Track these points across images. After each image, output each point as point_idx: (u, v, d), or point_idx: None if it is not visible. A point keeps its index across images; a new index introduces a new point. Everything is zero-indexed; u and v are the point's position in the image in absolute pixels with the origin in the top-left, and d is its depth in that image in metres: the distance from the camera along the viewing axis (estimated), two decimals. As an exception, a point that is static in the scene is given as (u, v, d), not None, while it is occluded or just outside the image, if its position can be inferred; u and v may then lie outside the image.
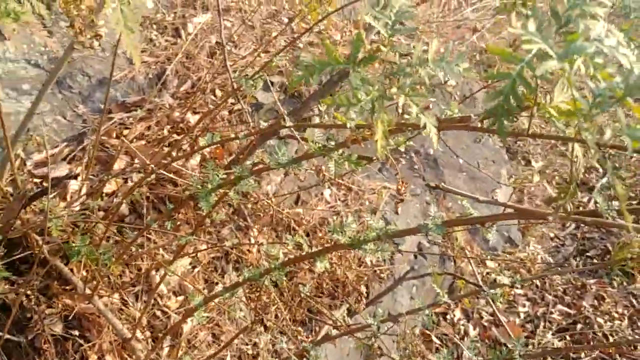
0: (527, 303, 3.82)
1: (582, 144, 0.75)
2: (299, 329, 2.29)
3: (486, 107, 0.71)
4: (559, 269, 3.91)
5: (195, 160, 2.46)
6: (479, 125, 0.92)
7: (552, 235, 4.37)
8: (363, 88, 0.75)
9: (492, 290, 1.67)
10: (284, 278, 1.44)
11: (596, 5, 0.75)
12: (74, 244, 1.63)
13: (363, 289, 2.56)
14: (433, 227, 1.10)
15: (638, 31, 1.00)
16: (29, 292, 1.90)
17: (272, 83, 2.90)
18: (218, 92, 2.75)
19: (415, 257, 3.23)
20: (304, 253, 1.49)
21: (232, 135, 2.73)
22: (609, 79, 0.68)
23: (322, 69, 0.78)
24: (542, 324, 3.70)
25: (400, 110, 0.82)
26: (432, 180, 3.58)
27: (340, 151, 1.13)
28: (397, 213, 2.46)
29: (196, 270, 2.31)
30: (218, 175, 1.31)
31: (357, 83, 0.75)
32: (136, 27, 0.92)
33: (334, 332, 1.87)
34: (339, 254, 2.54)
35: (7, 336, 1.82)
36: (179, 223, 2.35)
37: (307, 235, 2.75)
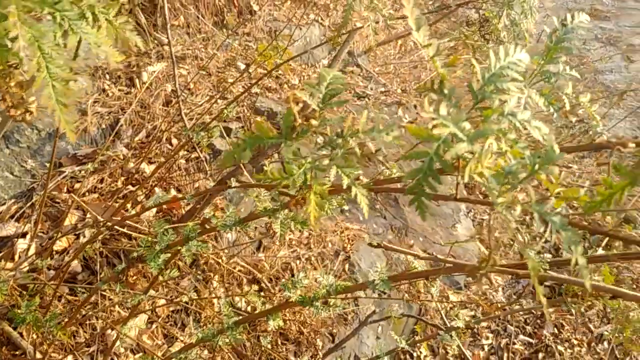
0: (491, 335, 3.81)
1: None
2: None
3: (406, 184, 0.70)
4: (507, 307, 3.93)
5: (151, 211, 2.38)
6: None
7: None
8: (296, 161, 0.74)
9: (447, 335, 1.65)
10: (242, 333, 1.37)
11: (509, 81, 0.77)
12: (18, 311, 1.52)
13: (319, 343, 2.49)
14: (379, 282, 1.08)
15: (557, 94, 1.03)
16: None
17: (230, 130, 2.86)
18: (174, 141, 2.69)
19: (380, 297, 3.18)
20: (257, 311, 1.43)
21: (190, 183, 2.67)
22: (519, 155, 0.71)
23: (254, 145, 0.76)
24: (505, 355, 3.69)
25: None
26: (393, 220, 3.57)
27: (286, 211, 1.10)
28: (343, 271, 2.43)
29: (154, 325, 2.20)
30: (166, 236, 1.25)
31: (289, 156, 0.73)
32: (72, 101, 0.87)
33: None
34: (294, 309, 2.48)
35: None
36: (135, 277, 2.25)
37: (271, 281, 2.68)
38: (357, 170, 0.75)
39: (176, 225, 1.67)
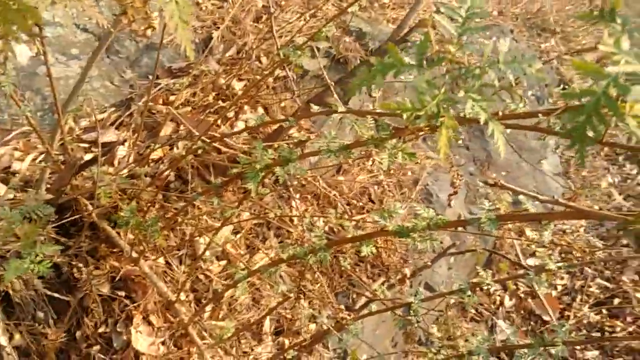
0: (566, 275, 3.71)
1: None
2: (340, 304, 2.28)
3: (565, 126, 0.63)
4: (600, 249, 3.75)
5: (238, 128, 2.42)
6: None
7: (597, 208, 4.18)
8: (428, 92, 0.68)
9: (536, 277, 1.57)
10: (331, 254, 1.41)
11: None
12: (122, 214, 1.63)
13: (406, 271, 2.51)
14: (486, 221, 1.02)
15: None
16: (78, 254, 1.93)
17: (318, 49, 2.80)
18: (264, 59, 2.68)
19: (456, 229, 3.14)
20: (349, 235, 1.44)
21: (277, 102, 2.67)
22: None
23: (385, 72, 0.71)
24: (579, 297, 3.60)
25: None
26: (477, 151, 3.45)
27: (394, 141, 1.06)
28: (450, 206, 2.38)
29: (238, 236, 2.30)
30: (266, 156, 1.26)
31: (423, 86, 0.68)
32: (191, 18, 0.86)
33: (374, 306, 1.83)
34: (386, 238, 2.49)
35: (57, 295, 1.87)
36: (224, 189, 2.33)
37: (348, 204, 2.70)
38: (494, 104, 0.69)
39: (268, 144, 1.68)
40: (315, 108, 1.49)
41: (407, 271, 2.48)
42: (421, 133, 1.11)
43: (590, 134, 0.64)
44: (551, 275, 3.50)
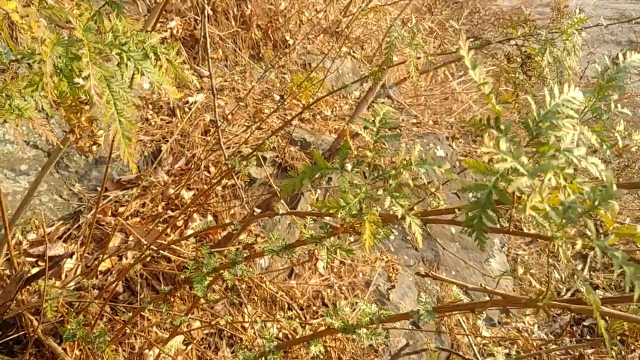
0: (525, 375, 3.79)
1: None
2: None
3: (464, 216, 0.77)
4: (552, 341, 3.91)
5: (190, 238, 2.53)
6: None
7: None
8: (351, 191, 0.82)
9: None
10: (282, 358, 1.48)
11: (564, 118, 0.82)
12: (68, 327, 1.67)
13: None
14: (424, 313, 1.13)
15: (609, 132, 1.09)
16: (20, 374, 1.91)
17: (264, 159, 3.02)
18: (212, 169, 2.86)
19: (411, 329, 3.24)
20: (297, 336, 1.52)
21: (226, 209, 2.82)
22: (578, 190, 0.74)
23: (312, 175, 0.85)
24: (542, 397, 3.67)
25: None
26: (425, 251, 3.64)
27: (333, 239, 1.19)
28: (389, 299, 2.51)
29: (189, 347, 2.32)
30: (213, 259, 1.37)
31: (346, 186, 0.82)
32: (134, 135, 1.02)
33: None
34: (334, 336, 2.56)
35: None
36: (173, 299, 2.38)
37: (302, 309, 2.78)
38: (410, 200, 0.83)
39: (216, 250, 1.80)
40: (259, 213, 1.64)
41: None
42: (353, 238, 1.27)
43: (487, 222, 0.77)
44: None
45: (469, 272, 3.86)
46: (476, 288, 1.37)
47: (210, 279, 1.44)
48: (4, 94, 1.22)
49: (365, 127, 0.89)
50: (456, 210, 0.98)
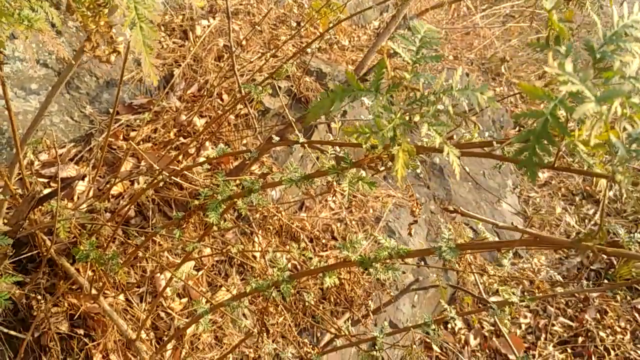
0: (529, 315, 3.88)
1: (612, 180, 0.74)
2: (304, 340, 2.35)
3: (517, 146, 0.71)
4: (562, 283, 3.96)
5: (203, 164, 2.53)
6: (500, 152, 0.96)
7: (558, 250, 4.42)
8: (385, 116, 0.77)
9: (499, 309, 1.66)
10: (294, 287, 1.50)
11: (633, 41, 0.75)
12: (82, 248, 1.69)
13: (370, 303, 2.62)
14: (447, 250, 1.10)
15: None
16: (35, 291, 1.96)
17: (279, 88, 2.97)
18: (225, 96, 2.82)
19: (418, 265, 3.29)
20: (312, 267, 1.53)
21: (239, 139, 2.80)
22: None
23: (344, 96, 0.79)
24: (543, 336, 3.76)
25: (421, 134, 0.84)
26: (437, 189, 3.64)
27: (354, 170, 1.15)
28: (410, 235, 2.51)
29: (200, 273, 2.37)
30: (228, 187, 1.37)
31: (380, 110, 0.76)
32: (155, 44, 0.98)
33: (339, 342, 1.92)
34: (348, 269, 2.60)
35: (13, 333, 1.88)
36: (185, 225, 2.41)
37: (311, 241, 2.82)
38: (449, 129, 0.78)
39: (232, 178, 1.80)
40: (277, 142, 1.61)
41: (372, 305, 2.58)
42: (382, 169, 1.24)
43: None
44: (515, 312, 3.66)
45: (480, 212, 3.87)
46: (507, 227, 1.35)
47: (225, 206, 1.44)
48: (13, 3, 1.18)
49: (402, 47, 0.83)
50: (494, 143, 0.94)
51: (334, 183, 1.18)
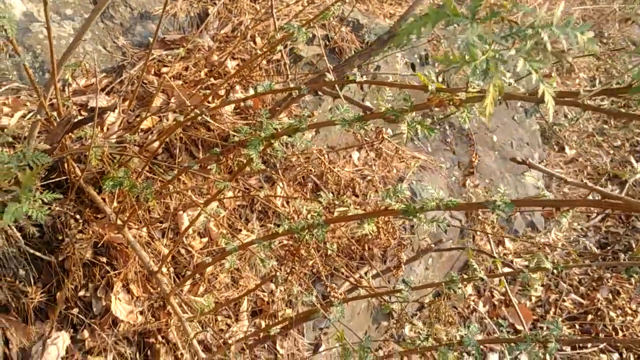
0: (541, 288, 3.92)
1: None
2: (330, 283, 2.40)
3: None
4: (588, 256, 3.98)
5: (229, 107, 2.54)
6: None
7: (575, 224, 4.42)
8: (479, 46, 0.73)
9: (531, 274, 1.64)
10: (312, 234, 1.52)
11: None
12: (115, 175, 1.72)
13: (403, 256, 2.67)
14: (502, 204, 1.09)
15: None
16: (62, 216, 2.02)
17: (314, 36, 2.94)
18: (258, 40, 2.80)
19: (462, 228, 3.31)
20: (350, 214, 1.55)
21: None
22: None
23: (437, 20, 0.76)
24: (552, 310, 3.80)
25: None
26: (463, 156, 3.63)
27: (413, 115, 1.14)
28: (464, 186, 2.51)
29: (222, 214, 2.41)
30: (272, 125, 1.38)
31: (474, 39, 0.73)
32: None
33: (362, 291, 1.96)
34: (386, 219, 2.62)
35: (39, 254, 1.95)
36: (209, 167, 2.44)
37: (333, 194, 2.84)
38: (546, 66, 0.74)
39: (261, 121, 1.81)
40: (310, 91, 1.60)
41: (404, 257, 2.63)
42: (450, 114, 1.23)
43: None
44: (542, 276, 3.70)
45: (503, 183, 3.87)
46: (576, 183, 1.33)
47: (264, 146, 1.46)
48: None
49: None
50: (581, 91, 0.90)
51: (383, 129, 1.18)
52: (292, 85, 2.71)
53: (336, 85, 2.05)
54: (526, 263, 3.91)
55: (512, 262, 3.62)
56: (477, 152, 3.68)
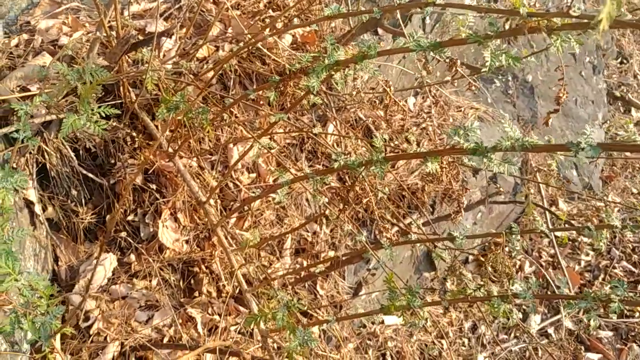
0: (592, 253, 3.82)
1: None
2: (381, 225, 2.40)
3: None
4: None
5: (286, 40, 2.49)
6: None
7: (635, 190, 4.26)
8: None
9: (594, 232, 1.55)
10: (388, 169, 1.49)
11: None
12: (171, 98, 1.71)
13: (464, 200, 2.64)
14: (587, 147, 1.01)
15: None
16: (115, 140, 2.05)
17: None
18: (320, -28, 2.71)
19: (488, 184, 3.24)
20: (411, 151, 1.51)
21: (327, 19, 2.73)
22: None
23: None
24: (602, 276, 3.71)
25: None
26: (523, 110, 3.51)
27: (498, 42, 1.06)
28: (546, 125, 2.41)
29: (273, 150, 2.40)
30: (337, 51, 1.33)
31: None
32: None
33: (414, 236, 1.94)
34: (451, 159, 2.57)
35: (91, 176, 1.99)
36: (261, 102, 2.42)
37: (384, 141, 2.80)
38: None
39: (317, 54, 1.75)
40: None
41: (465, 201, 2.59)
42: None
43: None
44: (567, 245, 3.61)
45: (563, 141, 3.73)
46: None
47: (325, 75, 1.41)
48: None
49: None
50: None
51: (458, 62, 1.12)
52: (350, 22, 2.64)
53: (399, 18, 1.96)
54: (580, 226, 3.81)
55: (566, 223, 3.53)
56: (534, 106, 3.55)
